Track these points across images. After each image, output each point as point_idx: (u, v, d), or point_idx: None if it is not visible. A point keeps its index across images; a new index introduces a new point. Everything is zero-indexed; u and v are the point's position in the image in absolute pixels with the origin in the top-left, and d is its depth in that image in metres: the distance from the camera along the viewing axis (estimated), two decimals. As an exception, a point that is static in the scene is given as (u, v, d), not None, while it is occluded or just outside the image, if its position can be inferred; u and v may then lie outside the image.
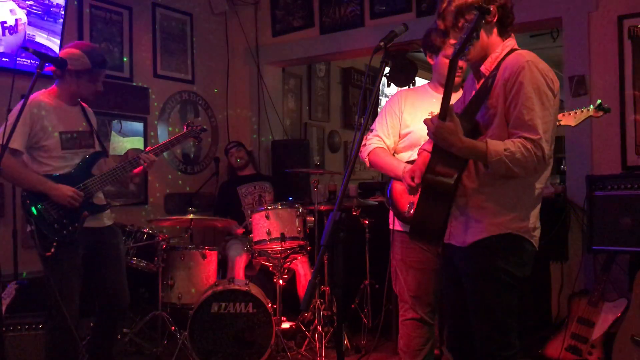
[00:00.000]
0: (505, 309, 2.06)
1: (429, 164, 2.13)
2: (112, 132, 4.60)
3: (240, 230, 4.50)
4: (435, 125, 1.98)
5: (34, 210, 2.80)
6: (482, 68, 2.12)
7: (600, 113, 2.86)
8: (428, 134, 2.04)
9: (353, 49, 4.95)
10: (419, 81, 5.94)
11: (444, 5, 2.11)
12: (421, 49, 2.91)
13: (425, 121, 2.04)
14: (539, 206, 2.11)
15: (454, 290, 2.22)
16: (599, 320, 3.25)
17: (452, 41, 2.13)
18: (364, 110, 2.56)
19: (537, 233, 2.10)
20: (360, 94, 7.17)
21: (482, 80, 2.13)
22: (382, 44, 2.14)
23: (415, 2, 4.56)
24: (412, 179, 2.34)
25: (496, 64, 2.07)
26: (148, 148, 3.19)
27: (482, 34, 2.06)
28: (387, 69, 5.53)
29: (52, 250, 2.77)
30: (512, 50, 2.07)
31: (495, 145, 1.93)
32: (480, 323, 2.09)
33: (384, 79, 5.67)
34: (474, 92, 2.17)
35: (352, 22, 4.89)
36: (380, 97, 7.34)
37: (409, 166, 2.66)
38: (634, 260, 3.42)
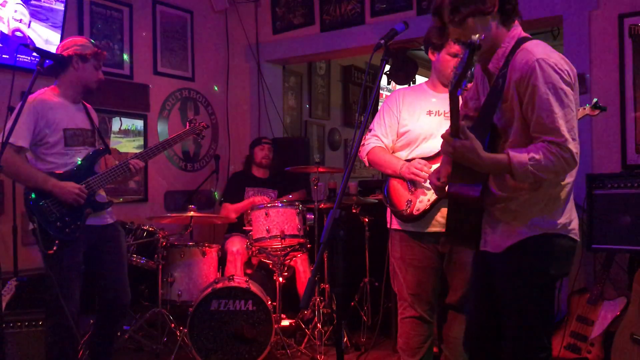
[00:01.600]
0: (540, 310, 2.03)
1: (451, 176, 2.07)
2: (112, 129, 4.60)
3: (259, 199, 4.44)
4: (452, 146, 1.91)
5: (36, 208, 2.79)
6: (491, 67, 2.04)
7: (597, 111, 2.88)
8: (443, 152, 2.01)
9: (353, 46, 4.94)
10: (419, 79, 5.95)
11: (438, 1, 2.01)
12: (421, 47, 2.91)
13: (442, 136, 1.98)
14: (570, 198, 2.05)
15: (482, 293, 2.20)
16: (599, 318, 3.26)
17: (451, 36, 2.04)
18: (364, 108, 2.57)
19: (575, 224, 2.04)
20: (360, 91, 7.17)
21: (492, 80, 2.05)
22: (382, 41, 2.13)
23: (415, 0, 4.56)
24: (438, 179, 2.24)
25: (504, 60, 1.98)
26: (158, 141, 3.16)
27: (475, 23, 1.95)
28: (387, 67, 5.53)
29: (55, 248, 2.76)
30: (518, 42, 1.98)
31: (519, 157, 1.86)
32: (514, 325, 2.06)
33: (384, 77, 5.67)
34: (487, 93, 2.09)
35: (353, 19, 4.88)
36: (381, 92, 7.34)
37: (407, 163, 2.67)
38: (633, 258, 3.42)
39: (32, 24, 3.90)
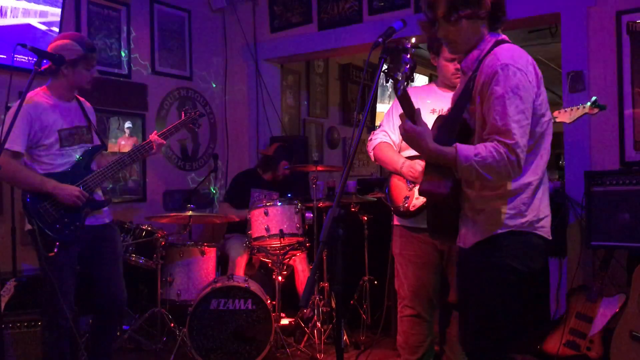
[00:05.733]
0: (504, 306, 2.03)
1: (424, 174, 2.14)
2: (111, 128, 4.59)
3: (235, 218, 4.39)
4: (404, 128, 2.00)
5: (34, 211, 2.77)
6: (463, 65, 2.08)
7: (596, 110, 2.86)
8: (400, 133, 2.07)
9: (351, 45, 4.94)
10: (417, 77, 5.94)
11: None
12: (420, 45, 2.91)
13: (399, 115, 2.07)
14: (539, 195, 2.03)
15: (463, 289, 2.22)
16: (598, 315, 3.26)
17: (440, 33, 2.08)
18: (362, 106, 2.56)
19: (545, 222, 2.05)
20: (358, 90, 7.16)
21: (465, 79, 2.09)
22: (380, 39, 2.14)
23: (413, -2, 4.56)
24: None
25: (477, 63, 2.01)
26: (154, 133, 3.14)
27: (467, 25, 2.00)
28: (385, 65, 5.52)
29: (55, 250, 2.74)
30: (493, 46, 2.00)
31: (466, 150, 1.89)
32: (475, 319, 2.08)
33: (382, 75, 5.66)
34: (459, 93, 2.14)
35: (351, 18, 4.88)
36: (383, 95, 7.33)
37: (408, 162, 2.68)
38: (632, 255, 3.42)
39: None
